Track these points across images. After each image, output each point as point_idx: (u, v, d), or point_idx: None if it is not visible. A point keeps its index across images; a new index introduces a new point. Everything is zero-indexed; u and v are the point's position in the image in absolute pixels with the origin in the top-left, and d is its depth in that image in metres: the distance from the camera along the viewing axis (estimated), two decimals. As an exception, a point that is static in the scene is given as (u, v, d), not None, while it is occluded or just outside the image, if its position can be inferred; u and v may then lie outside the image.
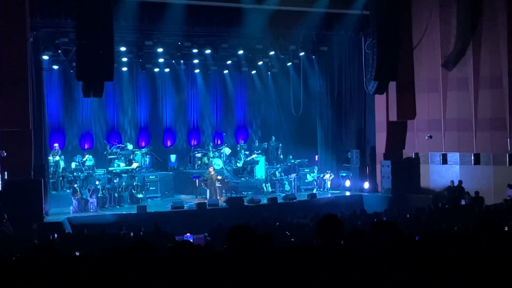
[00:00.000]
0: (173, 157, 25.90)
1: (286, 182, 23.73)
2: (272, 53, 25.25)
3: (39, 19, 18.48)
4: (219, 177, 22.42)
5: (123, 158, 23.64)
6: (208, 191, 22.00)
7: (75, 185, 20.31)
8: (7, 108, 17.08)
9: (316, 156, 26.42)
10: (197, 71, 26.86)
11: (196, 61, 25.56)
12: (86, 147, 25.08)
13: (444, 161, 22.15)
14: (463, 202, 19.38)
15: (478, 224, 5.05)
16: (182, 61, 25.24)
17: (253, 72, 27.50)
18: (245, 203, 20.70)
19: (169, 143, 27.08)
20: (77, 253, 11.94)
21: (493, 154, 20.96)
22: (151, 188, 22.24)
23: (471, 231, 5.81)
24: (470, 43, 21.27)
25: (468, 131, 21.46)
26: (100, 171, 22.84)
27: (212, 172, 22.21)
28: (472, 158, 21.34)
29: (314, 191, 23.40)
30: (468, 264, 4.30)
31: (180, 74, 26.71)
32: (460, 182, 20.96)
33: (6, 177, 17.18)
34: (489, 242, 4.71)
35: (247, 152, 25.97)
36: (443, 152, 22.17)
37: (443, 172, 22.10)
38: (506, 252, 4.48)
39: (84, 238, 15.33)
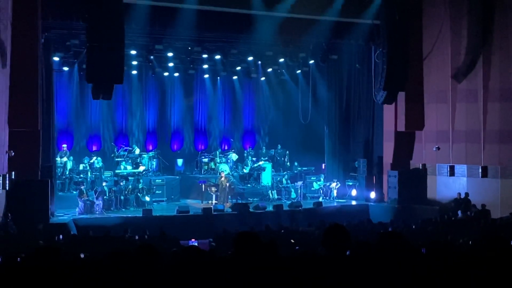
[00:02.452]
0: (180, 161, 25.89)
1: (292, 190, 23.68)
2: (281, 60, 25.28)
3: (50, 20, 18.57)
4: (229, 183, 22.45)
5: (130, 161, 23.71)
6: (214, 196, 22.01)
7: (82, 187, 20.36)
8: (17, 108, 17.13)
9: (323, 164, 26.37)
10: (206, 76, 26.95)
11: (205, 66, 25.61)
12: (93, 149, 25.18)
13: (452, 173, 22.04)
14: (459, 214, 19.28)
15: (483, 238, 5.03)
16: (191, 66, 25.30)
17: (262, 78, 27.53)
18: (251, 210, 20.66)
19: (176, 147, 27.13)
20: (82, 255, 11.95)
21: (501, 167, 20.86)
22: (157, 191, 22.26)
23: (476, 244, 5.78)
24: (480, 56, 21.21)
25: (477, 143, 21.37)
26: (107, 174, 22.90)
27: (224, 178, 22.22)
28: (480, 170, 21.25)
29: (320, 199, 23.36)
30: (473, 278, 4.28)
31: (190, 78, 26.76)
32: (467, 194, 20.84)
33: (13, 177, 17.24)
34: (494, 255, 4.69)
35: (254, 159, 25.97)
36: (451, 164, 22.08)
37: (450, 184, 22.00)
38: (510, 266, 4.46)
39: (89, 240, 15.34)
